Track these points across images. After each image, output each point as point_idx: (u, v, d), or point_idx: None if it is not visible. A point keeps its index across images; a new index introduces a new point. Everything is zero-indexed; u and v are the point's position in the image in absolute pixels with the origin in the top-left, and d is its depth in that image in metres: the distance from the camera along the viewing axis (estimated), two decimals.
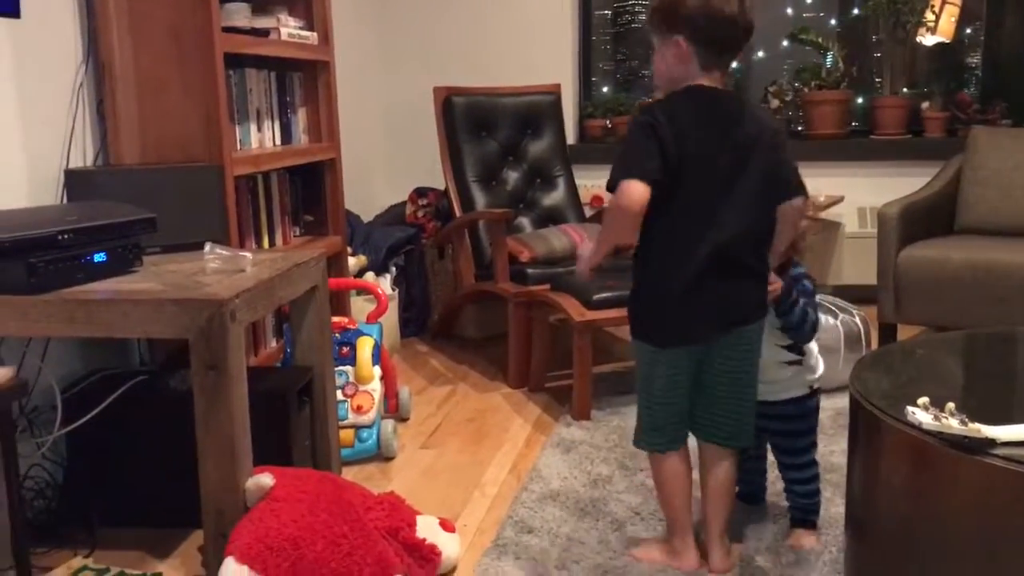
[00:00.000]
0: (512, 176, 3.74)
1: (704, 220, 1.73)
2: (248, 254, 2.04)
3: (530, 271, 3.20)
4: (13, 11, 1.79)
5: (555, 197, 3.75)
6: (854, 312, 3.03)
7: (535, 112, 3.79)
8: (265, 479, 1.75)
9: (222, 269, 1.98)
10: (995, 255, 3.16)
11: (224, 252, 2.05)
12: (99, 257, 1.86)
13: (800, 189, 1.83)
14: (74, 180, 2.20)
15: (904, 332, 3.35)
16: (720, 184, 1.73)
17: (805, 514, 2.05)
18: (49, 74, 2.22)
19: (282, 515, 1.70)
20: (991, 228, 3.47)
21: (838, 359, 2.88)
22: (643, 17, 4.55)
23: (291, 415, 2.14)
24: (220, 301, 1.71)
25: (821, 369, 2.03)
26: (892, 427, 1.49)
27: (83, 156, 2.33)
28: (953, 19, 4.18)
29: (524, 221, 3.64)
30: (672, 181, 1.70)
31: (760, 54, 4.55)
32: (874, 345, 3.14)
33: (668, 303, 1.79)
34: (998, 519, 1.36)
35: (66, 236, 1.79)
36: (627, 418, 2.72)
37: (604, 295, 2.84)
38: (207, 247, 2.05)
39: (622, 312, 2.78)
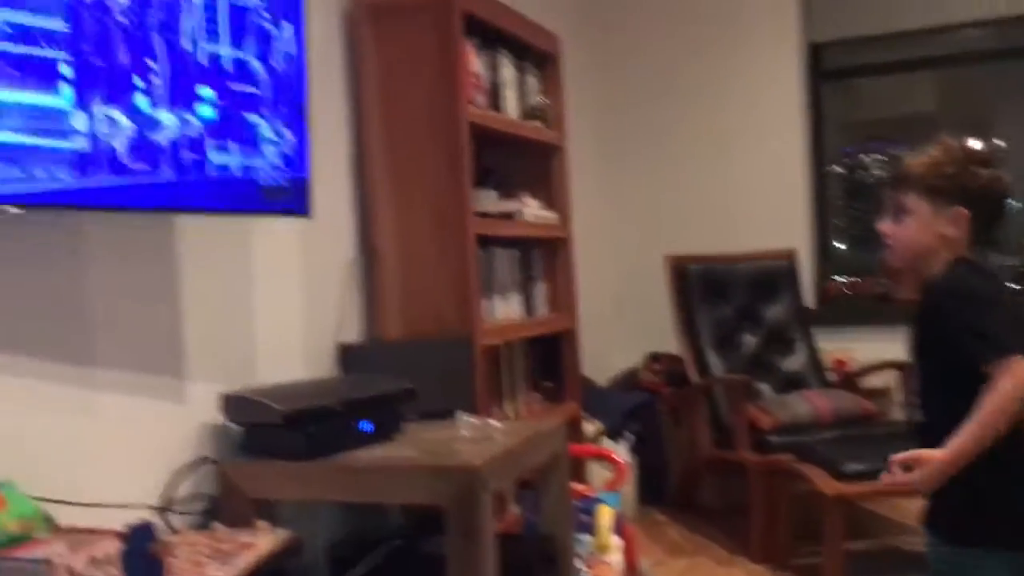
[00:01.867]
0: (749, 340, 3.70)
1: None
2: (496, 423, 2.14)
3: (772, 439, 3.11)
4: (305, 212, 2.06)
5: (795, 362, 3.66)
6: None
7: (770, 277, 3.77)
8: None
9: (473, 437, 2.09)
10: None
11: (474, 421, 2.16)
12: (366, 426, 2.02)
13: None
14: (345, 353, 2.43)
15: None
16: None
17: None
18: (327, 260, 2.50)
19: None
20: None
21: None
22: (877, 172, 4.46)
23: None
24: (474, 469, 1.80)
25: None
26: None
27: (353, 330, 2.57)
28: None
29: (764, 387, 3.56)
30: None
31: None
32: None
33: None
34: None
35: (340, 408, 1.97)
36: None
37: (857, 466, 2.69)
38: (458, 416, 2.18)
39: (877, 485, 2.64)
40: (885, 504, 3.37)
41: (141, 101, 1.65)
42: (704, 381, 3.50)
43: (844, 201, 4.62)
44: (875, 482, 2.65)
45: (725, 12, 4.25)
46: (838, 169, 4.56)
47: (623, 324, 4.46)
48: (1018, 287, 1.60)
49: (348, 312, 2.56)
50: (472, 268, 2.51)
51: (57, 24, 1.50)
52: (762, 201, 4.23)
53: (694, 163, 4.31)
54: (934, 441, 1.58)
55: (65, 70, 1.51)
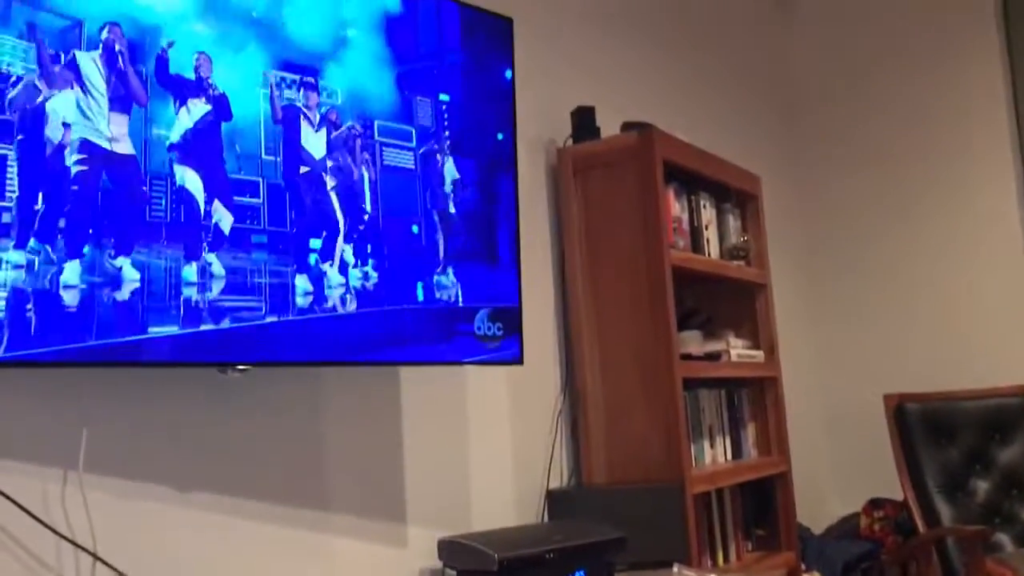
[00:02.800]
0: (982, 487, 3.39)
1: None
2: (714, 575, 2.05)
3: None
4: (519, 360, 2.13)
5: None
6: None
7: (1003, 415, 3.48)
8: None
9: None
10: None
11: (690, 573, 2.09)
12: (579, 575, 2.00)
13: None
14: (553, 499, 2.44)
15: None
16: None
17: None
18: (535, 406, 2.55)
19: None
20: None
21: None
22: None
23: None
24: None
25: None
26: None
27: (560, 476, 2.58)
28: None
29: (1003, 538, 3.23)
30: None
31: None
32: None
33: None
34: None
35: (552, 555, 1.96)
36: None
37: None
38: (675, 568, 2.11)
39: None
40: None
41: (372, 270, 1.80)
42: (933, 531, 3.22)
43: None
44: None
45: (932, 141, 4.12)
46: None
47: (839, 468, 4.22)
48: None
49: (556, 459, 2.58)
50: (679, 411, 2.48)
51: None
52: (986, 331, 3.95)
53: (905, 295, 4.11)
54: None
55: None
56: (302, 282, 1.67)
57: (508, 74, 2.13)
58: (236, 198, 1.59)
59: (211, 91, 1.57)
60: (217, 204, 1.56)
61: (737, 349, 2.93)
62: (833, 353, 4.32)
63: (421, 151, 1.91)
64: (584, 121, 2.67)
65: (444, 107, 1.95)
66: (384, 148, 1.83)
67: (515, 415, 2.47)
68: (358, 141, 1.77)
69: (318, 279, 1.69)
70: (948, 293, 4.03)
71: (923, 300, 4.10)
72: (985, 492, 3.39)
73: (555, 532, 2.12)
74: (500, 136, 2.12)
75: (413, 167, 1.89)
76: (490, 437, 2.38)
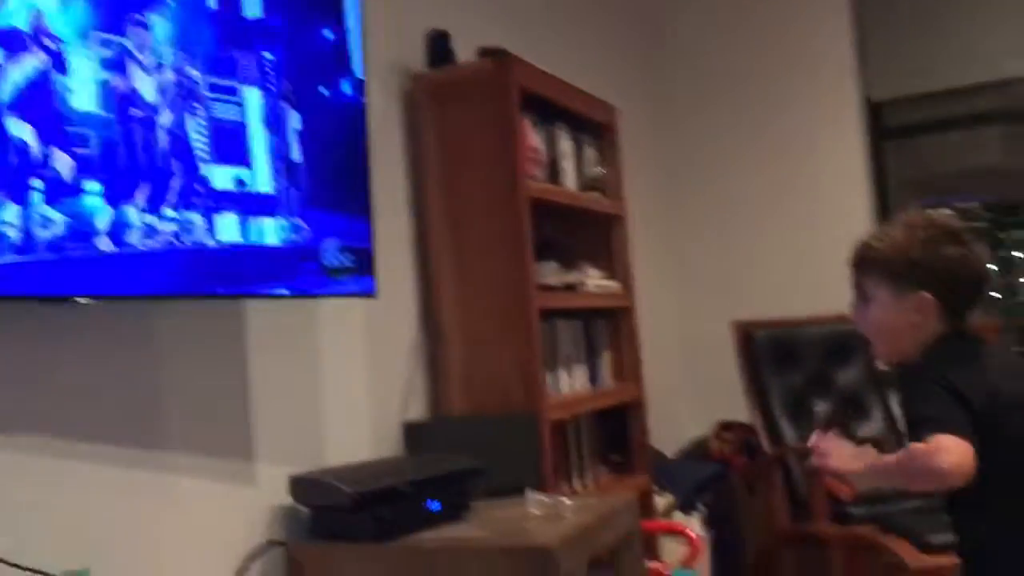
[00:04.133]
0: (822, 407, 3.60)
1: None
2: (567, 500, 2.09)
3: (853, 510, 2.99)
4: (372, 293, 2.08)
5: (872, 429, 3.53)
6: None
7: (841, 340, 3.68)
8: None
9: (543, 516, 2.04)
10: None
11: (544, 499, 2.12)
12: (435, 506, 1.99)
13: None
14: (411, 432, 2.42)
15: None
16: None
17: None
18: (392, 340, 2.51)
19: None
20: None
21: None
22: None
23: None
24: (547, 550, 1.76)
25: None
26: None
27: (419, 410, 2.56)
28: None
29: None
30: (995, 443, 1.44)
31: None
32: None
33: None
34: None
35: (408, 488, 1.95)
36: None
37: (943, 537, 2.56)
38: (528, 493, 2.14)
39: None
40: None
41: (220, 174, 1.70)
42: (777, 450, 3.40)
43: None
44: None
45: (782, 76, 4.24)
46: None
47: (691, 393, 4.38)
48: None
49: (414, 392, 2.56)
50: (536, 341, 2.50)
51: None
52: (830, 262, 4.13)
53: (757, 226, 4.26)
54: (955, 512, 1.54)
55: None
56: (135, 219, 1.56)
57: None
58: (69, 146, 1.46)
59: (43, 42, 1.44)
60: (51, 148, 1.44)
61: (594, 280, 2.96)
62: (688, 282, 4.44)
63: (257, 91, 1.81)
64: (438, 46, 2.60)
65: (277, 46, 1.85)
66: (215, 91, 1.72)
67: (371, 349, 2.42)
68: (185, 85, 1.66)
69: (152, 218, 1.59)
70: (796, 223, 4.20)
71: (773, 230, 4.26)
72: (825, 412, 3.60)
73: (411, 465, 2.11)
74: (346, 70, 2.04)
75: (247, 107, 1.79)
76: (344, 372, 2.33)
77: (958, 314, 1.58)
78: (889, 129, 4.24)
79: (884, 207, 4.21)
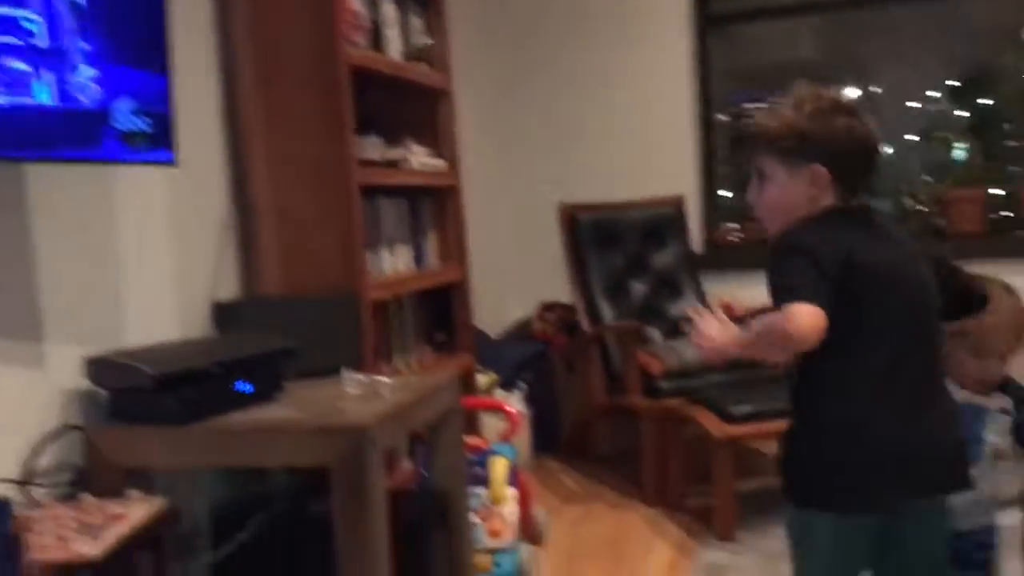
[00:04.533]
0: (639, 288, 3.72)
1: (895, 351, 1.53)
2: (385, 379, 2.06)
3: (663, 384, 3.13)
4: (171, 161, 1.92)
5: (684, 307, 3.69)
6: None
7: (659, 224, 3.79)
8: None
9: (360, 395, 2.01)
10: None
11: (361, 378, 2.08)
12: (244, 387, 1.91)
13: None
14: (221, 311, 2.30)
15: None
16: (905, 308, 1.55)
17: None
18: (200, 214, 2.35)
19: None
20: None
21: None
22: None
23: (429, 541, 2.11)
24: (361, 428, 1.73)
25: None
26: None
27: (230, 288, 2.44)
28: None
29: (654, 333, 3.58)
30: (846, 312, 1.48)
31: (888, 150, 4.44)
32: None
33: (856, 448, 1.52)
34: None
35: (215, 369, 1.85)
36: (776, 540, 2.57)
37: (744, 408, 2.74)
38: (344, 373, 2.09)
39: (764, 426, 2.69)
40: (773, 445, 3.46)
41: None
42: (595, 329, 3.50)
43: (729, 149, 4.66)
44: (762, 423, 2.72)
45: None
46: (723, 117, 4.60)
47: (516, 274, 4.42)
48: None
49: (225, 270, 2.42)
50: (356, 219, 2.41)
51: None
52: (651, 148, 4.22)
53: (587, 108, 4.26)
54: (797, 385, 1.60)
55: None
56: None
57: None
58: None
59: None
60: None
61: (419, 157, 2.87)
62: (514, 163, 4.41)
63: None
64: None
65: None
66: None
67: (175, 224, 2.26)
68: None
69: None
70: (624, 107, 4.22)
71: (602, 113, 4.27)
72: (642, 293, 3.73)
73: (220, 345, 2.01)
74: None
75: None
76: (145, 246, 2.16)
77: (851, 187, 1.60)
78: (713, 16, 4.29)
79: (706, 97, 4.30)
